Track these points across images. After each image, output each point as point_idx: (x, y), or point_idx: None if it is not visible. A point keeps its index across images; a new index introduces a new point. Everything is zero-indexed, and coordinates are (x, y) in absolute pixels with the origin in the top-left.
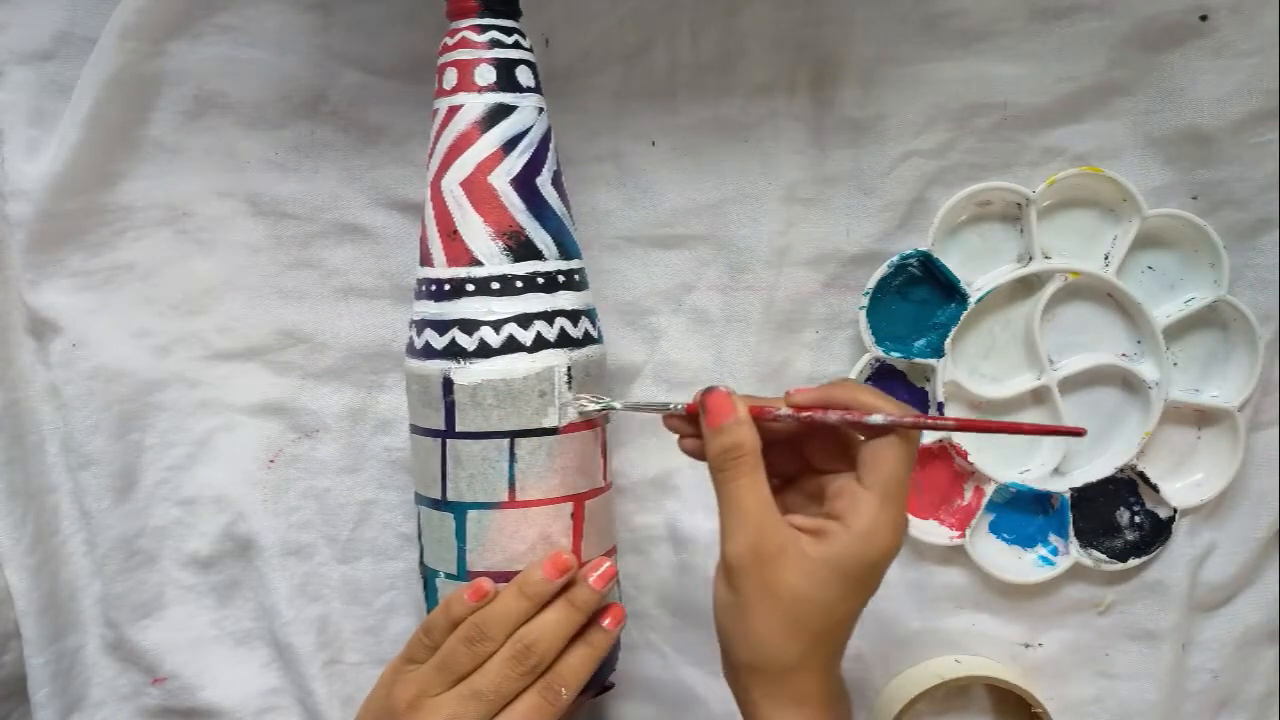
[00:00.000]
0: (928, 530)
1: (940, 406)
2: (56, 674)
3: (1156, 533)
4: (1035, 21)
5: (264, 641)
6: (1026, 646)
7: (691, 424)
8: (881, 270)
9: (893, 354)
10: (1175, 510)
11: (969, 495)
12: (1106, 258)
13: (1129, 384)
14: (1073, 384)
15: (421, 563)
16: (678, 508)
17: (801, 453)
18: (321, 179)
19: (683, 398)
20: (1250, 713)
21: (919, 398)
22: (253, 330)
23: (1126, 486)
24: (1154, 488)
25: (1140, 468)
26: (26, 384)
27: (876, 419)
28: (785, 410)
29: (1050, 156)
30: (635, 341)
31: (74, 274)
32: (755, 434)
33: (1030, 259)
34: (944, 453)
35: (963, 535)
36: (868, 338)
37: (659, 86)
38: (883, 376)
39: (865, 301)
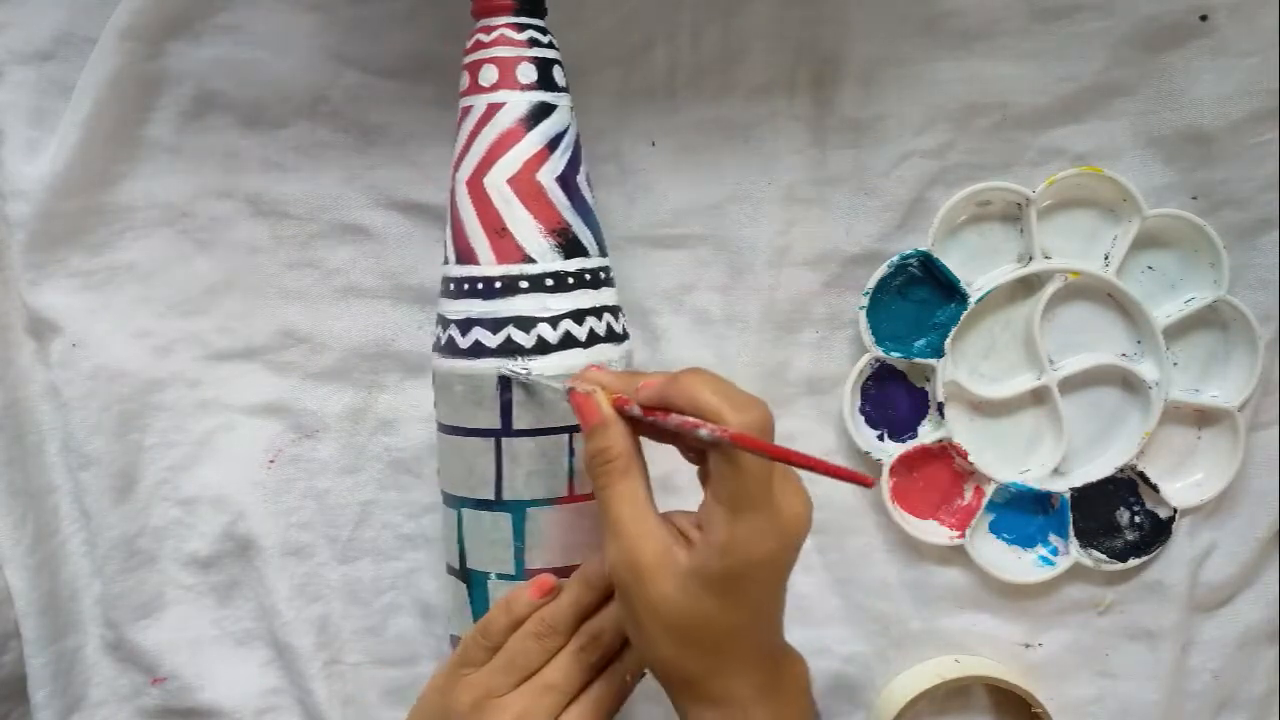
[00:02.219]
0: (928, 530)
1: (940, 407)
2: (56, 674)
3: (1156, 533)
4: (1035, 21)
5: (264, 642)
6: (1026, 646)
7: None
8: (881, 270)
9: (893, 354)
10: (1175, 510)
11: (969, 495)
12: (1106, 258)
13: (1129, 384)
14: (1073, 384)
15: (463, 567)
16: (678, 508)
17: None
18: (321, 179)
19: None
20: (1250, 713)
21: (919, 398)
22: (253, 330)
23: (1126, 486)
24: (1154, 488)
25: (1140, 468)
26: (26, 384)
27: (703, 434)
28: (635, 409)
29: (1050, 156)
30: (636, 342)
31: (74, 274)
32: (623, 434)
33: (1030, 259)
34: (944, 453)
35: (963, 535)
36: (868, 338)
37: (659, 86)
38: (883, 376)
39: (865, 301)
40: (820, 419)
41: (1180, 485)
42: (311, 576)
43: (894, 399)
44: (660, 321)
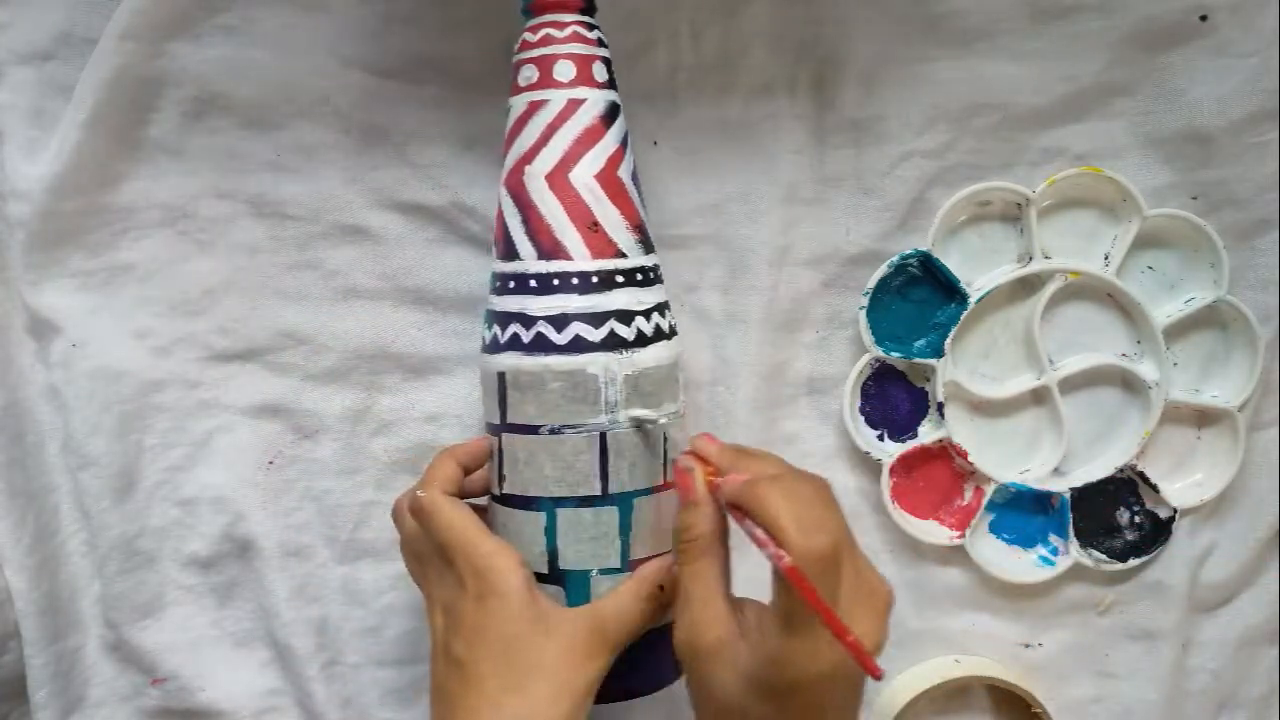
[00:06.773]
0: (928, 530)
1: (940, 407)
2: (56, 674)
3: (1156, 533)
4: (1035, 21)
5: (263, 642)
6: (1026, 646)
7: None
8: (881, 270)
9: (893, 354)
10: (1175, 510)
11: (969, 495)
12: (1106, 258)
13: (1129, 384)
14: (1073, 384)
15: (553, 570)
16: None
17: None
18: (322, 180)
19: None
20: (1250, 713)
21: (919, 398)
22: (253, 331)
23: (1126, 486)
24: (1154, 488)
25: (1140, 468)
26: (26, 384)
27: (765, 553)
28: (722, 499)
29: (1050, 156)
30: None
31: (74, 274)
32: (710, 516)
33: (1030, 259)
34: (944, 453)
35: (963, 535)
36: (868, 338)
37: (659, 86)
38: (883, 376)
39: (865, 301)
40: (820, 419)
41: (1180, 485)
42: (311, 577)
43: (894, 399)
44: None
